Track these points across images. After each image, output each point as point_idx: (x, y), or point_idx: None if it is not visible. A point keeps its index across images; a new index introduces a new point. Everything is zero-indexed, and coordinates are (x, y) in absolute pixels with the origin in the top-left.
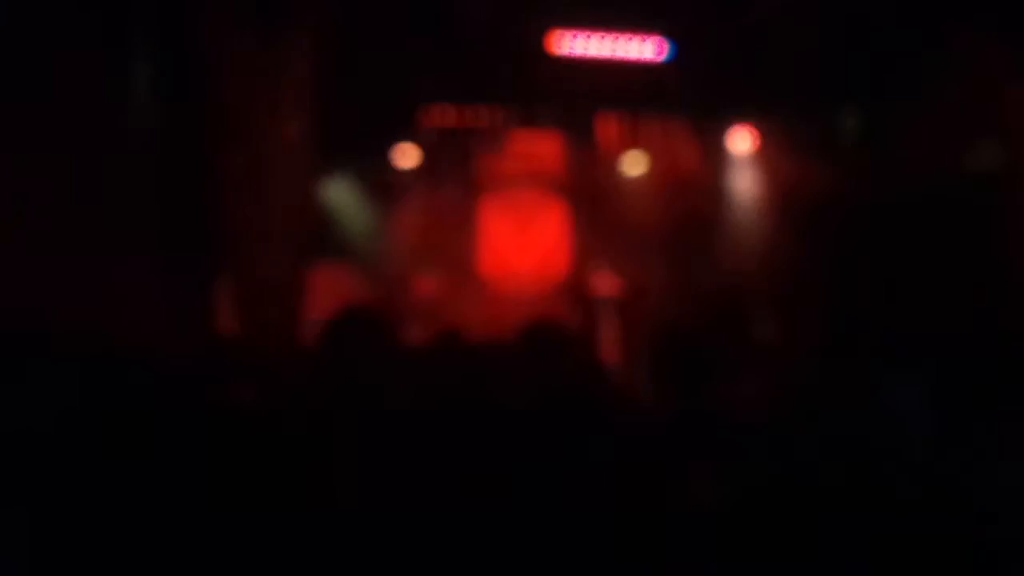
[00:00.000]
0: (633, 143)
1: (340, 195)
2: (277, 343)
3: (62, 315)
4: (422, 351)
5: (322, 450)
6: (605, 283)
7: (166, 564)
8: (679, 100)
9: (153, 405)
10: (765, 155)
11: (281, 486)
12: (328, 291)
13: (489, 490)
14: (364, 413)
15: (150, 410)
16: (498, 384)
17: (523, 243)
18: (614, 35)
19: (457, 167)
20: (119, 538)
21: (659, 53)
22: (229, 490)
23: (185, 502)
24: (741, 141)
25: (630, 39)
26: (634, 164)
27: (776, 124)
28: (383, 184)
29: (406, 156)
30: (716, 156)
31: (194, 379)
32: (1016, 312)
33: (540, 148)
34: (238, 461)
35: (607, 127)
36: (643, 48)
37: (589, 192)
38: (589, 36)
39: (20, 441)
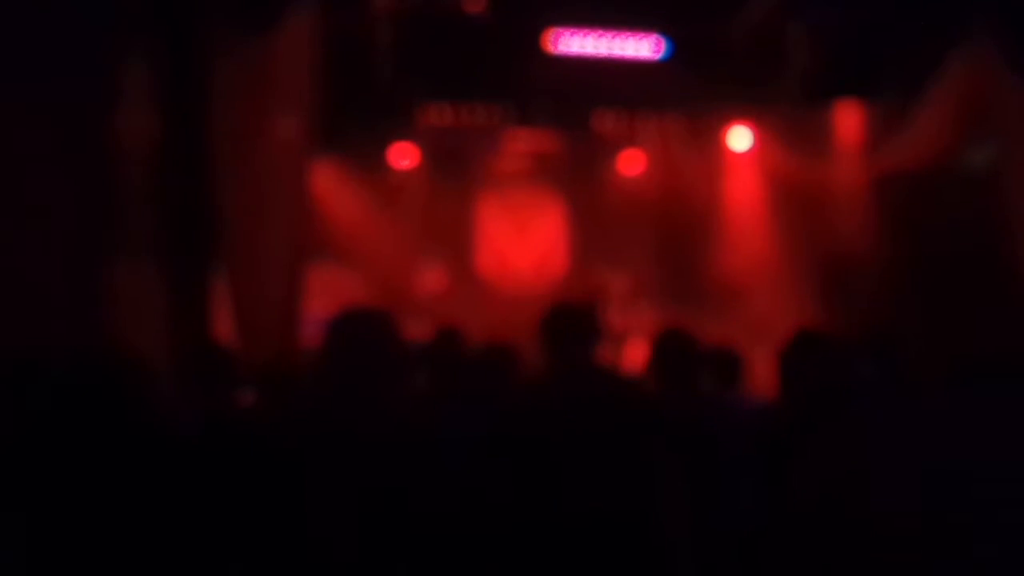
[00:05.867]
0: (631, 141)
1: (337, 195)
2: (276, 347)
3: (54, 319)
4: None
5: (322, 457)
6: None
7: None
8: (677, 98)
9: (148, 412)
10: (764, 152)
11: (281, 492)
12: (328, 293)
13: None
14: (365, 418)
15: (145, 417)
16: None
17: (521, 241)
18: (611, 33)
19: (454, 166)
20: (110, 550)
21: (656, 51)
22: (227, 498)
23: (181, 510)
24: (739, 139)
25: (627, 37)
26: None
27: (774, 121)
28: (381, 183)
29: (404, 155)
30: (715, 154)
31: (191, 384)
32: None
33: (538, 146)
34: (236, 468)
35: (605, 125)
36: (640, 46)
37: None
38: (586, 34)
39: (11, 449)
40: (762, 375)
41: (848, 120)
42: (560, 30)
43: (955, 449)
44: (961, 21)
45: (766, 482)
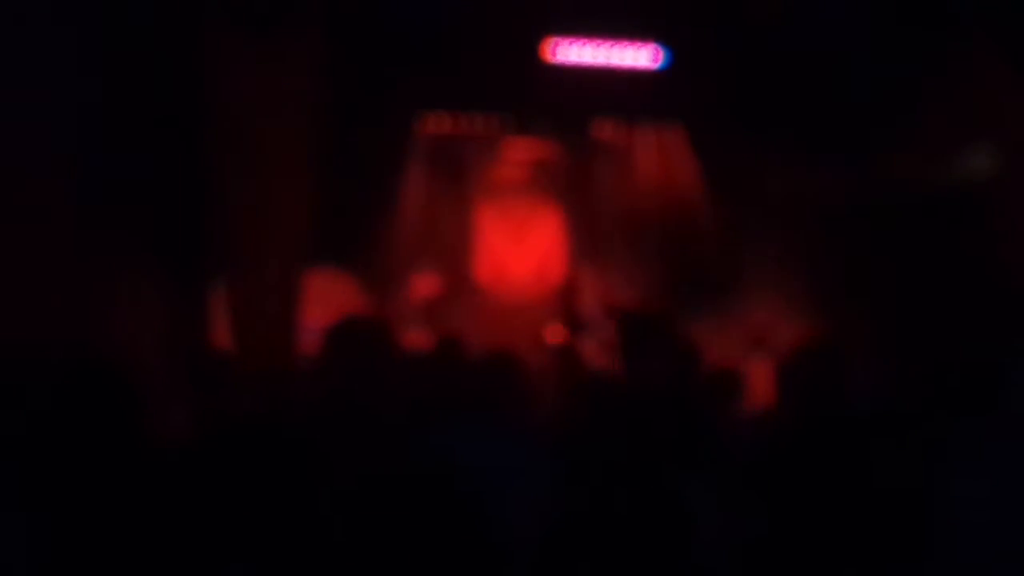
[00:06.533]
0: (629, 150)
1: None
2: (274, 353)
3: (52, 322)
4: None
5: (321, 462)
6: None
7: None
8: (675, 107)
9: (145, 417)
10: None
11: (278, 500)
12: (327, 299)
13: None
14: (363, 423)
15: (141, 421)
16: None
17: (520, 249)
18: (609, 43)
19: (453, 175)
20: (105, 552)
21: (654, 61)
22: (223, 505)
23: (176, 516)
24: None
25: (625, 47)
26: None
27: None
28: (381, 191)
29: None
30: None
31: (189, 391)
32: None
33: (536, 155)
34: (232, 475)
35: (603, 134)
36: (638, 56)
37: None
38: (584, 44)
39: (9, 451)
40: (759, 383)
41: None
42: (559, 39)
43: None
44: (961, 22)
45: (764, 493)
